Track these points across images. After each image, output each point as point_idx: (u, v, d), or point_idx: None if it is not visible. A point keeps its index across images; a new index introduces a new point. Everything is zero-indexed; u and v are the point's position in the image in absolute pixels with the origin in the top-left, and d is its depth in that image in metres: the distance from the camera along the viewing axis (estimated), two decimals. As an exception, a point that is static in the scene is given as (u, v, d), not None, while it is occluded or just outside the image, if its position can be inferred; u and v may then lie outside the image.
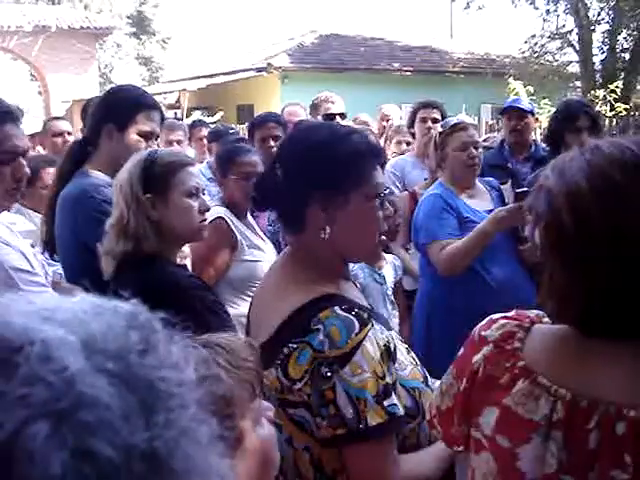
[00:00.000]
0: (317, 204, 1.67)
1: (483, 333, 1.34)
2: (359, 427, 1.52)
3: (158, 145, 3.19)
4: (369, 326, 1.60)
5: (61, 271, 2.92)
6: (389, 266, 3.64)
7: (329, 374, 1.55)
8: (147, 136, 2.90)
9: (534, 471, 1.21)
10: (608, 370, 1.19)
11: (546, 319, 1.30)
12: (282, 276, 1.79)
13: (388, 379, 1.59)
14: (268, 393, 1.62)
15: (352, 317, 1.59)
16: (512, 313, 1.36)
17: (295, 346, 1.59)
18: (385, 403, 1.55)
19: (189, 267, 2.77)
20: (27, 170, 2.32)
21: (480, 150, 3.71)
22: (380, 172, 1.75)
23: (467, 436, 1.35)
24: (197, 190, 2.37)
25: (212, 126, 6.68)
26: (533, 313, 1.34)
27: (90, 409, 0.47)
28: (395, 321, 3.52)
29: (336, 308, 1.60)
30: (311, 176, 1.67)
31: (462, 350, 1.39)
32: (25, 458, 0.44)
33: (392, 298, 3.56)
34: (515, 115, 4.74)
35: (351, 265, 3.38)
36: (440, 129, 3.74)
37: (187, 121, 8.49)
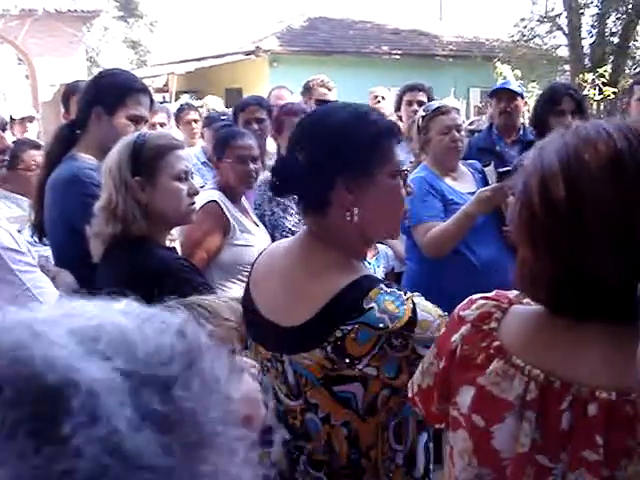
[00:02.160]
0: (343, 186, 1.66)
1: (462, 313, 1.36)
2: None
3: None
4: (407, 292, 1.65)
5: (47, 254, 2.95)
6: (381, 255, 3.69)
7: (404, 342, 1.59)
8: (136, 120, 2.92)
9: (508, 450, 1.23)
10: (581, 352, 1.21)
11: (526, 300, 1.32)
12: (304, 259, 1.76)
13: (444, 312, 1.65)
14: (307, 373, 1.65)
15: (395, 289, 1.64)
16: (492, 294, 1.37)
17: (350, 328, 1.59)
18: None
19: (178, 250, 2.80)
20: (8, 143, 2.34)
21: (463, 133, 3.75)
22: (399, 149, 1.77)
23: (447, 414, 1.38)
24: (186, 173, 2.40)
25: (201, 110, 6.66)
26: (513, 294, 1.35)
27: (136, 473, 0.46)
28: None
29: (382, 285, 1.63)
30: (337, 159, 1.66)
31: (443, 329, 1.43)
32: None
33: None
34: (505, 97, 4.73)
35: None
36: (423, 113, 3.78)
37: (175, 105, 8.47)
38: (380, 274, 3.62)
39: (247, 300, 1.84)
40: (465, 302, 1.39)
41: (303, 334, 1.66)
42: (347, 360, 1.60)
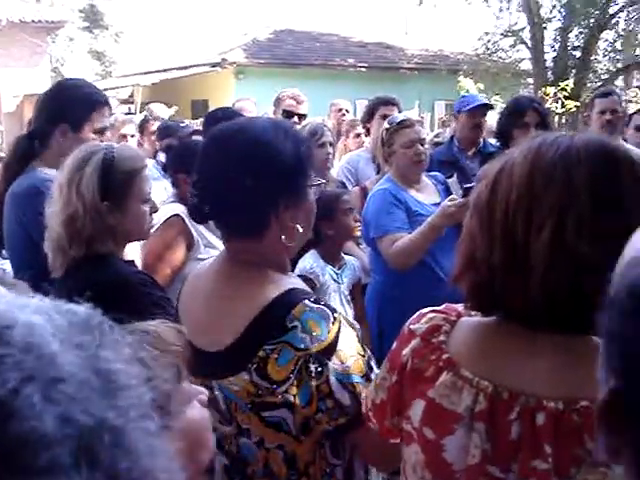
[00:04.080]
0: (283, 206, 1.66)
1: (412, 327, 1.36)
2: (359, 411, 1.54)
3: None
4: (337, 312, 1.63)
5: (5, 267, 2.91)
6: (348, 266, 3.69)
7: (320, 369, 1.55)
8: (101, 132, 2.92)
9: (460, 462, 1.23)
10: (529, 362, 1.21)
11: (474, 312, 1.33)
12: (227, 280, 1.74)
13: (366, 352, 1.63)
14: (235, 398, 1.61)
15: (322, 307, 1.61)
16: (442, 307, 1.38)
17: (273, 347, 1.56)
18: (372, 377, 1.57)
19: (137, 262, 2.77)
20: None
21: (426, 146, 3.77)
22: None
23: (400, 429, 1.37)
24: (150, 194, 2.42)
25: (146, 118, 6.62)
26: (462, 306, 1.35)
27: (70, 382, 0.50)
28: (351, 320, 3.57)
29: (306, 302, 1.60)
30: (281, 180, 1.66)
31: (395, 344, 1.41)
32: (22, 415, 0.47)
33: (349, 298, 3.62)
34: (479, 112, 4.74)
35: (310, 264, 3.48)
36: (387, 125, 3.79)
37: (140, 116, 8.43)
38: (346, 286, 3.61)
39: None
40: (415, 316, 1.39)
41: (229, 357, 1.62)
42: (268, 385, 1.57)
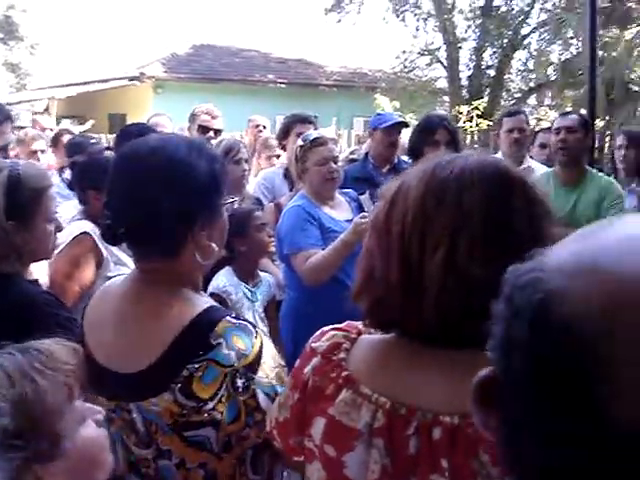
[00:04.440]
0: (199, 225, 1.66)
1: (313, 345, 1.37)
2: None
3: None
4: (257, 326, 1.65)
5: None
6: (263, 283, 3.69)
7: (246, 384, 1.56)
8: (3, 149, 2.86)
9: (361, 478, 1.24)
10: (425, 378, 1.23)
11: (373, 329, 1.34)
12: (140, 300, 1.70)
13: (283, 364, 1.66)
14: (156, 419, 1.59)
15: (244, 322, 1.62)
16: (343, 324, 1.39)
17: (197, 366, 1.55)
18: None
19: (42, 281, 2.71)
20: None
21: (340, 164, 3.82)
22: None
23: (304, 447, 1.38)
24: (55, 213, 2.39)
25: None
26: (362, 324, 1.37)
27: None
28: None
29: (228, 318, 1.60)
30: (199, 199, 1.66)
31: (297, 362, 1.42)
32: None
33: (262, 315, 3.62)
34: (396, 130, 4.79)
35: (223, 282, 3.47)
36: (301, 142, 3.82)
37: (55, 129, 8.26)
38: (261, 303, 3.62)
39: (82, 347, 1.66)
40: (317, 334, 1.40)
41: (149, 378, 1.60)
42: (194, 404, 1.55)
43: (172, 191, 1.63)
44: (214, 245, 1.70)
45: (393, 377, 1.27)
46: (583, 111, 6.37)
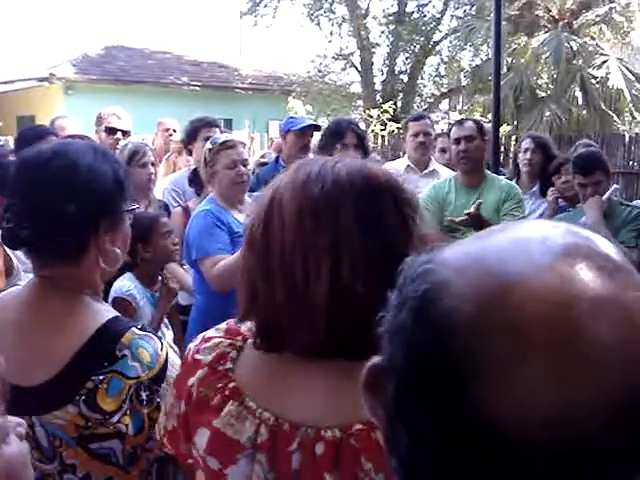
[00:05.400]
0: (102, 230, 1.64)
1: (197, 356, 1.34)
2: None
3: None
4: (162, 337, 1.63)
5: None
6: (163, 289, 3.65)
7: (151, 396, 1.55)
8: None
9: None
10: (306, 392, 1.23)
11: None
12: (41, 310, 1.65)
13: None
14: (60, 433, 1.55)
15: (149, 334, 1.60)
16: (224, 327, 1.37)
17: (102, 377, 1.52)
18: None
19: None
20: None
21: (249, 167, 3.81)
22: None
23: (191, 454, 1.36)
24: None
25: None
26: (246, 327, 1.34)
27: None
28: (170, 343, 3.54)
29: (134, 329, 1.58)
30: (103, 204, 1.63)
31: (180, 370, 1.41)
32: None
33: (166, 321, 3.58)
34: (309, 133, 4.83)
35: (127, 286, 3.41)
36: (210, 146, 3.80)
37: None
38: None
39: None
40: (199, 340, 1.37)
41: (52, 391, 1.56)
42: (99, 417, 1.53)
43: (74, 196, 1.60)
44: (117, 250, 1.68)
45: (277, 392, 1.26)
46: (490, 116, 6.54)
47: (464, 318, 0.58)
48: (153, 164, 4.35)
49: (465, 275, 0.61)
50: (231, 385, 1.28)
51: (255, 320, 1.28)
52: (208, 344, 1.34)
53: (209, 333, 1.38)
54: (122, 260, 1.77)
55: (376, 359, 0.68)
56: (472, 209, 4.03)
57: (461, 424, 0.57)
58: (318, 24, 21.18)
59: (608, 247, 0.63)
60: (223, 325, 1.38)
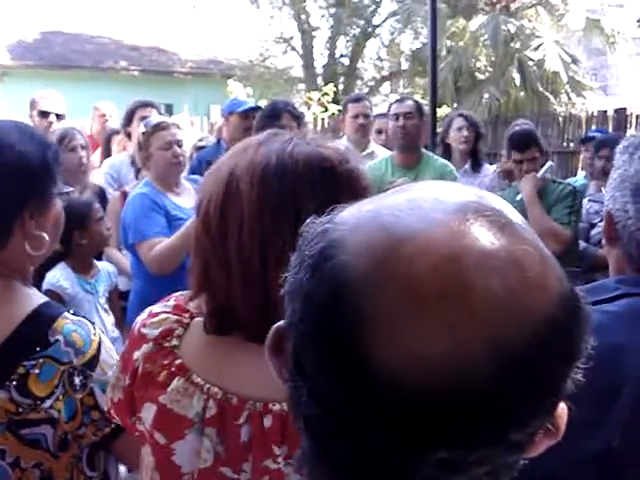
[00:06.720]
0: (28, 214, 1.59)
1: (143, 330, 1.33)
2: None
3: None
4: (95, 323, 1.61)
5: None
6: (103, 274, 3.62)
7: (84, 382, 1.53)
8: None
9: (190, 465, 1.25)
10: (255, 367, 1.22)
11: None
12: None
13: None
14: None
15: (82, 319, 1.58)
16: (172, 303, 1.36)
17: (33, 363, 1.50)
18: None
19: None
20: None
21: (185, 148, 3.79)
22: None
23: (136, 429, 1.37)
24: None
25: None
26: (194, 304, 1.34)
27: None
28: (110, 328, 3.52)
29: (66, 314, 1.56)
30: (25, 187, 1.58)
31: (126, 344, 1.40)
32: None
33: (106, 306, 3.55)
34: (251, 115, 4.76)
35: (57, 278, 3.37)
36: (143, 129, 3.77)
37: None
38: (102, 293, 3.55)
39: None
40: (146, 315, 1.36)
41: None
42: (30, 402, 1.51)
43: None
44: (45, 235, 1.63)
45: (225, 367, 1.27)
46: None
47: (358, 273, 0.59)
48: (84, 147, 4.30)
49: (360, 232, 0.61)
50: (177, 362, 1.28)
51: (207, 303, 1.28)
52: (155, 319, 1.33)
53: (156, 308, 1.36)
54: (53, 246, 1.74)
55: (282, 321, 0.68)
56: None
57: (355, 377, 0.57)
58: (258, 7, 21.08)
59: (501, 204, 0.64)
60: (171, 301, 1.37)
